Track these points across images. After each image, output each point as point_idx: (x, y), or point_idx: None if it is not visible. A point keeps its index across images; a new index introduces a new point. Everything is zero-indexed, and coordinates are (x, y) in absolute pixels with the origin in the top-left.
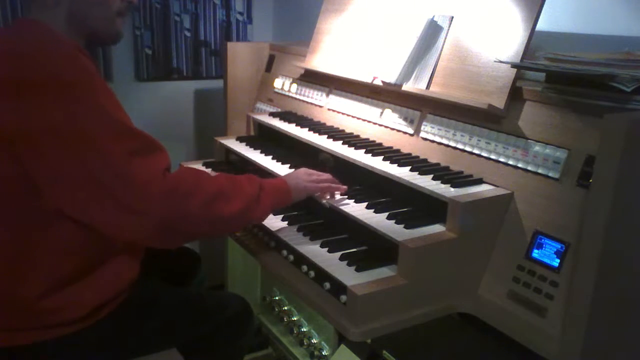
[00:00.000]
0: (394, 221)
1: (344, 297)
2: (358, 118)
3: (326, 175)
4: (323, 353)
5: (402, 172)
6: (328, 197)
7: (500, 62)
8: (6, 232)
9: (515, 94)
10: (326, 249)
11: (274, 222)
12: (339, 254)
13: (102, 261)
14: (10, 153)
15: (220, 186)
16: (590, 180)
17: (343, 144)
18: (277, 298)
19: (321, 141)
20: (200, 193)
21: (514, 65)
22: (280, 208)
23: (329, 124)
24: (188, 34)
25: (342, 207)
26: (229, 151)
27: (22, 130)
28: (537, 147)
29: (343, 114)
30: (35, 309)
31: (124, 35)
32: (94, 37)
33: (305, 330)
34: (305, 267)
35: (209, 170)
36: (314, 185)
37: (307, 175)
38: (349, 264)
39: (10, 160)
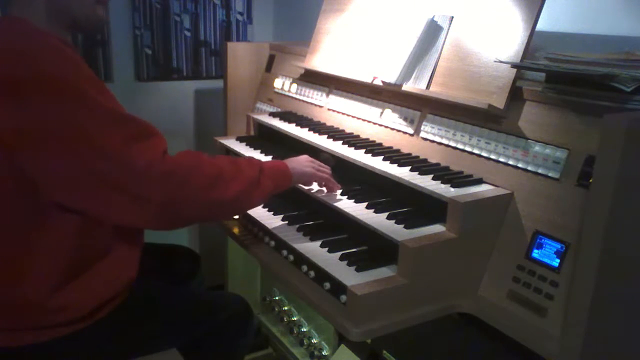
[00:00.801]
0: (394, 221)
1: (344, 297)
2: (358, 118)
3: (327, 168)
4: (323, 353)
5: (402, 172)
6: (323, 191)
7: (500, 62)
8: (4, 232)
9: (515, 94)
10: (326, 249)
11: (273, 221)
12: (339, 254)
13: (101, 259)
14: (5, 151)
15: (220, 169)
16: (590, 180)
17: (343, 144)
18: (277, 298)
19: (321, 141)
20: (200, 175)
21: (514, 65)
22: (280, 191)
23: (329, 124)
24: (188, 34)
25: (342, 207)
26: (229, 151)
27: (17, 128)
28: (537, 147)
29: (343, 114)
30: (36, 309)
31: (106, 22)
32: (76, 27)
33: (305, 330)
34: (305, 267)
35: None
36: (313, 172)
37: (309, 162)
38: (349, 264)
39: (5, 159)
